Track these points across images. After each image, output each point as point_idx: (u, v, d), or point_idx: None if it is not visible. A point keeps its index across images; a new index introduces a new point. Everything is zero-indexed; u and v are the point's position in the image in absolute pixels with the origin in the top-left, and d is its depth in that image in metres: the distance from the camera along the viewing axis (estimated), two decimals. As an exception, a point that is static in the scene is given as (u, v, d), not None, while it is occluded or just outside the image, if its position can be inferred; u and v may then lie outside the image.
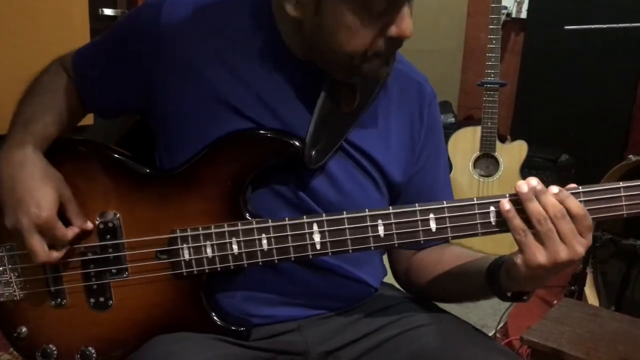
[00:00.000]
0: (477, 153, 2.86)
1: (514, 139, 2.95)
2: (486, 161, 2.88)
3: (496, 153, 2.84)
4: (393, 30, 0.87)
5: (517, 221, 0.85)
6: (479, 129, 2.84)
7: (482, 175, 2.87)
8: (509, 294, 0.94)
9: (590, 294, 2.24)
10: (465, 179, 2.86)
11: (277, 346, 1.01)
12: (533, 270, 0.85)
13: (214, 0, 0.99)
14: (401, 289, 1.17)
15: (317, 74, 0.96)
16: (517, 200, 0.86)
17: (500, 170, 2.84)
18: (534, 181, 0.85)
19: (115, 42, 1.04)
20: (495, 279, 0.93)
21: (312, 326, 1.03)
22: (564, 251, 0.83)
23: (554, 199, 0.84)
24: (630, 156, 2.10)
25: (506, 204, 0.86)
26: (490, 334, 2.26)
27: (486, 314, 2.37)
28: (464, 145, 2.87)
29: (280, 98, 0.97)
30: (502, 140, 2.90)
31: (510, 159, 2.84)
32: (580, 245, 0.84)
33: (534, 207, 0.84)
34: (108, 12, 2.42)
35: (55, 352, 1.00)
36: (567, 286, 2.23)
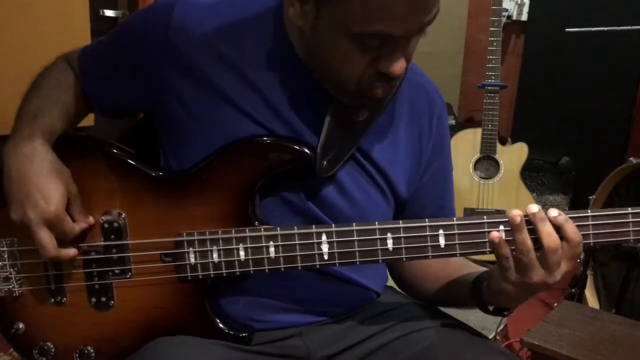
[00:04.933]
0: (477, 155, 2.86)
1: (514, 141, 2.95)
2: (487, 163, 2.88)
3: (497, 155, 2.84)
4: (383, 66, 0.86)
5: (504, 250, 0.86)
6: (479, 131, 2.84)
7: (483, 178, 2.87)
8: (490, 308, 0.96)
9: (591, 297, 2.24)
10: (465, 181, 2.85)
11: (278, 351, 1.01)
12: (509, 291, 0.88)
13: (226, 6, 0.98)
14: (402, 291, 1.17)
15: None
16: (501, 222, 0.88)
17: (500, 173, 2.84)
18: (534, 207, 0.85)
19: (123, 43, 1.03)
20: (478, 292, 0.95)
21: (313, 332, 1.03)
22: (539, 277, 0.85)
23: (550, 229, 0.84)
24: (631, 159, 2.09)
25: (495, 237, 0.86)
26: (490, 337, 2.25)
27: (486, 317, 2.35)
28: (464, 147, 2.87)
29: (291, 105, 0.96)
30: (503, 142, 2.90)
31: (511, 161, 2.84)
32: (559, 274, 0.86)
33: (521, 238, 0.85)
34: (109, 13, 2.42)
35: (53, 350, 0.99)
36: (568, 289, 2.23)
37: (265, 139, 0.95)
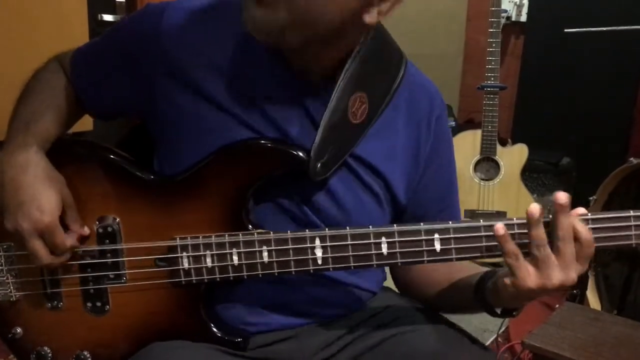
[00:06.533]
0: (477, 157, 2.86)
1: (514, 142, 2.94)
2: (487, 165, 2.88)
3: (497, 156, 2.84)
4: None
5: (509, 245, 0.84)
6: (479, 132, 2.83)
7: (483, 179, 2.87)
8: (498, 311, 0.93)
9: (592, 298, 2.23)
10: (465, 183, 2.85)
11: (273, 355, 1.00)
12: (521, 293, 0.84)
13: (217, 11, 0.97)
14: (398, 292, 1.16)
15: (324, 84, 0.95)
16: (509, 225, 0.85)
17: (500, 174, 2.84)
18: (563, 197, 0.82)
19: (115, 46, 1.03)
20: (482, 295, 0.93)
21: (309, 335, 1.02)
22: (557, 276, 0.82)
23: (571, 220, 0.82)
24: (631, 159, 2.09)
25: (500, 230, 0.84)
26: (492, 339, 2.25)
27: (488, 319, 2.33)
28: (464, 148, 2.87)
29: (285, 109, 0.95)
30: (503, 143, 2.90)
31: (511, 162, 2.84)
32: (575, 272, 0.83)
33: (537, 233, 0.82)
34: (107, 17, 2.41)
35: (50, 355, 0.99)
36: (569, 290, 2.22)
37: (258, 142, 0.94)
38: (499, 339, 2.25)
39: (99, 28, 2.31)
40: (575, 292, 2.18)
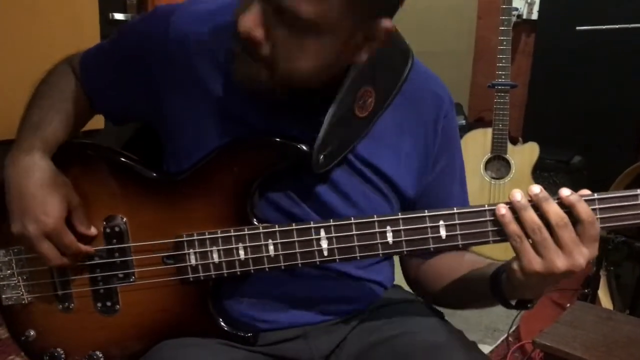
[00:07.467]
0: (488, 155, 2.85)
1: (525, 140, 2.93)
2: (497, 163, 2.86)
3: (507, 155, 2.82)
4: None
5: (513, 226, 0.82)
6: (489, 131, 2.82)
7: (494, 178, 2.86)
8: (512, 302, 0.92)
9: (604, 297, 2.22)
10: (476, 182, 2.84)
11: (282, 353, 1.00)
12: (529, 278, 0.83)
13: (225, 14, 0.96)
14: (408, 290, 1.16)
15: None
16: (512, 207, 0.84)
17: (511, 173, 2.83)
18: (536, 188, 0.82)
19: (123, 48, 1.04)
20: (497, 286, 0.91)
21: (319, 334, 1.02)
22: (561, 261, 0.80)
23: (556, 207, 0.81)
24: (643, 157, 2.08)
25: (502, 209, 0.83)
26: (502, 338, 2.24)
27: (498, 318, 2.35)
28: (474, 147, 2.86)
29: (292, 105, 0.94)
30: (514, 142, 2.89)
31: (522, 161, 2.82)
32: (581, 256, 0.81)
33: (527, 216, 0.81)
34: (118, 16, 2.43)
35: (63, 356, 1.00)
36: (580, 289, 2.21)
37: (260, 136, 0.95)
38: (510, 338, 2.24)
39: (110, 27, 2.33)
40: (586, 292, 2.17)
